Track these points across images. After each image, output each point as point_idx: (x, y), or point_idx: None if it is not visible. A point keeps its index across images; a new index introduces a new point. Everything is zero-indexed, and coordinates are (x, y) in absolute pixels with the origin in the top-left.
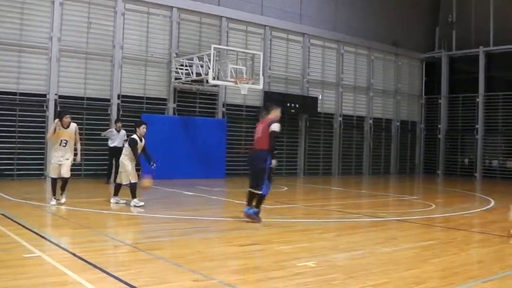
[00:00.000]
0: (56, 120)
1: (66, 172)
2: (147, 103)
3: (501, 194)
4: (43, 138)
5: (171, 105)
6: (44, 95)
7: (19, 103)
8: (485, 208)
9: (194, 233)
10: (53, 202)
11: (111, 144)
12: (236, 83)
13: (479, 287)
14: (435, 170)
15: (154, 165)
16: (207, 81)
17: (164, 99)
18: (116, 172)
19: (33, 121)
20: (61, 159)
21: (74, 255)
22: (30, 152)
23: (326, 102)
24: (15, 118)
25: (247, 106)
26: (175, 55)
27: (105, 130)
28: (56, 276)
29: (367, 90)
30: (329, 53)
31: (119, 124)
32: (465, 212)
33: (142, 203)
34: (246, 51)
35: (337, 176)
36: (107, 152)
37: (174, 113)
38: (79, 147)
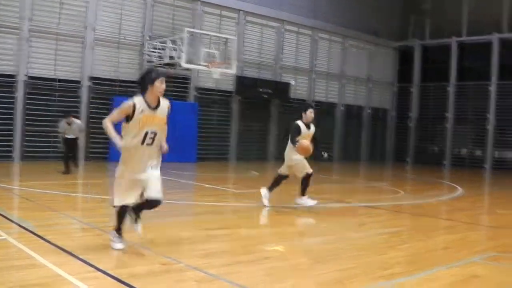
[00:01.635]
0: (138, 97)
1: (156, 192)
2: (119, 86)
3: (469, 182)
4: (12, 119)
5: None
6: (13, 76)
7: None
8: (452, 195)
9: (162, 217)
10: (120, 245)
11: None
12: (209, 67)
13: (444, 272)
14: (405, 157)
15: (326, 155)
16: (179, 65)
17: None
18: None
19: (2, 102)
20: (143, 172)
21: (41, 238)
22: None
23: (299, 88)
24: None
25: (219, 91)
26: (148, 38)
27: (75, 113)
28: (23, 259)
29: (340, 77)
30: (303, 39)
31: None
32: (433, 199)
33: (314, 202)
34: (220, 35)
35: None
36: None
37: None
38: (165, 145)
